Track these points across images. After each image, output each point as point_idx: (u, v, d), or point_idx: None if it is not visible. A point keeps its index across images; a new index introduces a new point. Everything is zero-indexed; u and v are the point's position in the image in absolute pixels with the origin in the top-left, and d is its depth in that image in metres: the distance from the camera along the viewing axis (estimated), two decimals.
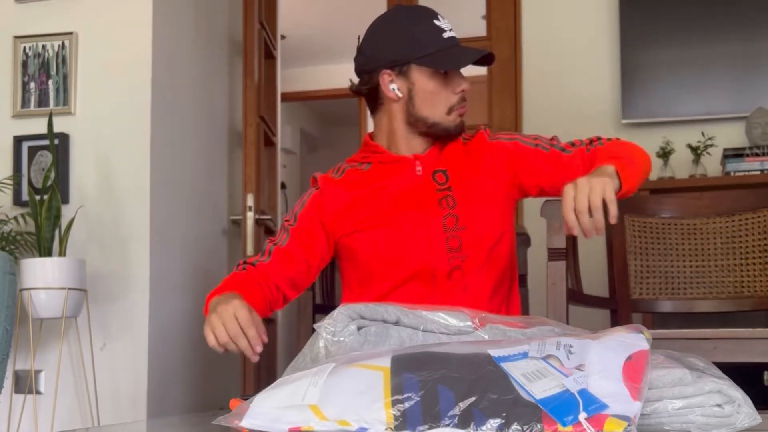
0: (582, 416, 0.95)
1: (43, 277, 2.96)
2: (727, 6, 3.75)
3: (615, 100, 3.85)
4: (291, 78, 6.52)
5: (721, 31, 3.75)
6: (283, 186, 5.54)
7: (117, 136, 3.28)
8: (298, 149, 7.78)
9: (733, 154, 3.54)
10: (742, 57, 3.73)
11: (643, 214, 2.57)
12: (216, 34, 3.98)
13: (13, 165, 3.31)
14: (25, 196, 3.25)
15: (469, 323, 1.25)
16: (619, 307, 2.52)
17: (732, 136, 3.69)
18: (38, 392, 3.17)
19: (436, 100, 1.93)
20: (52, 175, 3.10)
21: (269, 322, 4.14)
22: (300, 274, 1.98)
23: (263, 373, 3.89)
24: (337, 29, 6.37)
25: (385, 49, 1.94)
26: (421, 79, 1.93)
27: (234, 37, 4.11)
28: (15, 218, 3.18)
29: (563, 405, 0.96)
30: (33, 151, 3.31)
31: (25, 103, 3.35)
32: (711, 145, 3.63)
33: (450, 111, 1.95)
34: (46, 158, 3.27)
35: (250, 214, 3.76)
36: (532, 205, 3.63)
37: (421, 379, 1.01)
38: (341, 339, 1.18)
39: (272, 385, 1.13)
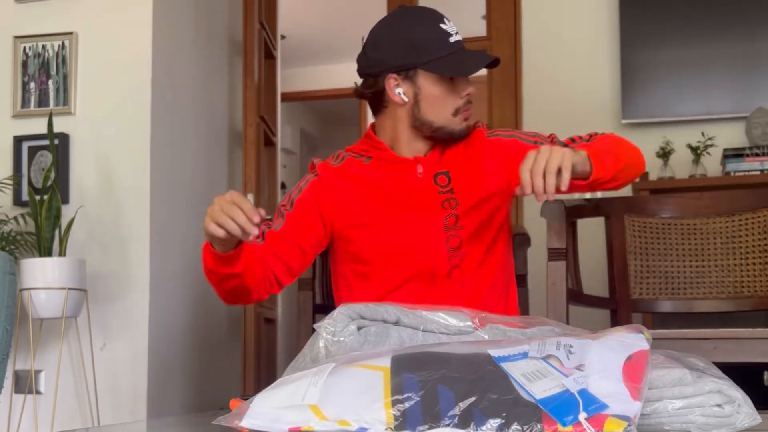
0: (582, 416, 0.95)
1: (43, 277, 2.96)
2: (727, 6, 3.75)
3: (615, 100, 3.85)
4: (291, 78, 6.53)
5: (721, 31, 3.75)
6: (283, 186, 5.54)
7: (117, 136, 3.28)
8: (298, 149, 7.78)
9: (733, 154, 3.54)
10: (742, 57, 3.73)
11: (643, 214, 2.57)
12: (216, 34, 3.98)
13: (13, 165, 3.31)
14: (25, 196, 3.25)
15: (469, 323, 1.25)
16: (619, 307, 2.52)
17: (732, 136, 3.69)
18: (38, 392, 3.17)
19: (441, 105, 1.93)
20: (52, 175, 3.10)
21: (269, 322, 4.15)
22: (294, 259, 1.96)
23: (263, 373, 3.89)
24: (337, 29, 6.37)
25: (391, 53, 1.93)
26: (428, 84, 1.92)
27: (234, 37, 4.11)
28: (15, 218, 3.18)
29: (563, 405, 0.96)
30: (33, 151, 3.31)
31: (25, 103, 3.35)
32: (711, 145, 3.63)
33: (456, 112, 1.94)
34: (46, 158, 3.28)
35: None
36: (532, 205, 3.63)
37: (421, 379, 1.01)
38: (341, 339, 1.18)
39: (272, 385, 1.13)
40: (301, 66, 6.94)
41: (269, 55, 4.26)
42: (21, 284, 2.98)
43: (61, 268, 2.99)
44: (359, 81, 2.02)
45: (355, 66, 2.03)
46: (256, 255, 1.89)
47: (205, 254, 1.80)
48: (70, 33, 3.32)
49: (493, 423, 0.95)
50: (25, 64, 3.35)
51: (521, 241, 2.22)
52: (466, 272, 1.93)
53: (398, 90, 1.94)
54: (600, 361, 1.02)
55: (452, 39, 1.92)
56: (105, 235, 3.25)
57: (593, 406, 0.96)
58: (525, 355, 1.05)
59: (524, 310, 2.17)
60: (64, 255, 3.07)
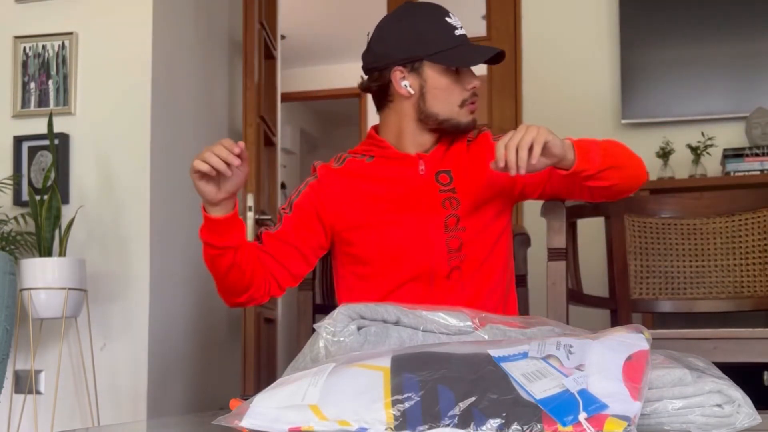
0: (582, 416, 0.95)
1: (43, 277, 2.96)
2: (727, 6, 3.75)
3: (615, 100, 3.85)
4: (291, 78, 6.53)
5: (721, 31, 3.75)
6: (283, 186, 5.54)
7: (117, 136, 3.28)
8: (298, 149, 7.78)
9: (733, 154, 3.54)
10: (742, 57, 3.73)
11: (643, 214, 2.57)
12: (216, 34, 3.98)
13: (13, 165, 3.31)
14: (25, 196, 3.25)
15: (469, 323, 1.25)
16: (619, 307, 2.52)
17: (732, 136, 3.69)
18: (38, 392, 3.17)
19: (448, 96, 1.94)
20: (52, 175, 3.10)
21: (269, 322, 4.15)
22: (292, 261, 1.96)
23: (263, 373, 3.89)
24: (337, 29, 6.38)
25: (397, 46, 1.93)
26: (434, 76, 1.93)
27: (234, 37, 4.11)
28: (15, 218, 3.18)
29: (563, 405, 0.96)
30: (33, 151, 3.31)
31: (25, 103, 3.35)
32: (711, 145, 3.63)
33: (462, 104, 1.95)
34: (46, 158, 3.28)
35: (249, 214, 3.76)
36: (532, 205, 3.63)
37: (421, 379, 1.01)
38: (341, 339, 1.18)
39: (272, 385, 1.13)
40: (301, 66, 6.94)
41: (269, 55, 4.26)
42: (21, 284, 2.98)
43: (61, 268, 2.99)
44: (362, 79, 2.03)
45: (356, 66, 2.03)
46: (254, 252, 1.90)
47: (202, 230, 1.81)
48: (70, 33, 3.32)
49: (493, 423, 0.95)
50: (25, 64, 3.35)
51: (521, 241, 2.22)
52: (467, 274, 1.93)
53: (404, 82, 1.94)
54: (600, 361, 1.02)
55: (457, 32, 1.93)
56: (105, 235, 3.25)
57: (593, 406, 0.96)
58: (525, 355, 1.05)
59: (524, 310, 2.17)
60: (64, 255, 3.07)
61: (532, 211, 3.57)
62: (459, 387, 0.99)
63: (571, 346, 1.05)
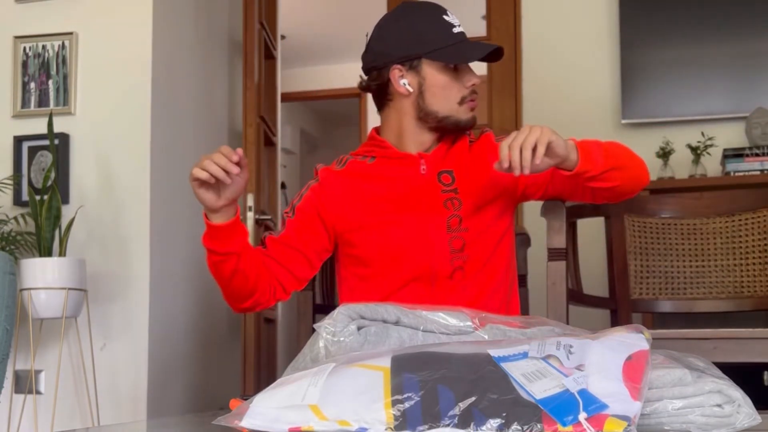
0: (582, 416, 0.95)
1: (43, 277, 2.96)
2: (727, 6, 3.75)
3: (615, 100, 3.85)
4: (291, 78, 6.53)
5: (721, 31, 3.75)
6: (283, 186, 5.54)
7: (117, 136, 3.28)
8: (298, 149, 7.78)
9: (733, 154, 3.54)
10: (742, 57, 3.73)
11: (643, 214, 2.57)
12: (216, 34, 3.98)
13: (13, 165, 3.31)
14: (25, 196, 3.25)
15: (469, 323, 1.25)
16: (619, 307, 2.52)
17: (732, 136, 3.69)
18: (38, 392, 3.17)
19: (446, 94, 1.93)
20: (52, 175, 3.10)
21: (269, 322, 4.15)
22: (296, 265, 1.96)
23: (263, 373, 3.89)
24: (337, 29, 6.38)
25: (396, 44, 1.94)
26: (432, 74, 1.93)
27: (234, 37, 4.11)
28: (15, 218, 3.18)
29: (563, 405, 0.96)
30: (33, 151, 3.31)
31: (25, 103, 3.35)
32: (711, 145, 3.63)
33: (462, 101, 1.95)
34: (46, 158, 3.28)
35: (250, 214, 3.77)
36: (532, 205, 3.63)
37: (421, 379, 1.01)
38: (341, 339, 1.18)
39: (272, 385, 1.13)
40: (301, 66, 6.94)
41: (269, 55, 4.26)
42: (21, 284, 2.98)
43: (61, 268, 2.99)
44: (361, 79, 2.03)
45: (355, 66, 2.04)
46: (258, 257, 1.90)
47: (205, 237, 1.82)
48: (70, 33, 3.32)
49: (493, 423, 0.95)
50: (25, 64, 3.35)
51: (521, 241, 2.22)
52: (469, 275, 1.92)
53: (403, 81, 1.94)
54: (600, 361, 1.02)
55: (455, 30, 1.93)
56: (105, 235, 3.25)
57: (593, 406, 0.96)
58: (525, 355, 1.05)
59: (524, 310, 2.17)
60: (64, 255, 3.07)
61: (532, 211, 3.56)
62: (459, 387, 0.99)
63: (571, 346, 1.05)
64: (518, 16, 4.01)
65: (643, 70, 3.78)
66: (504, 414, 0.95)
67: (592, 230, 2.79)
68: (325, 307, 2.32)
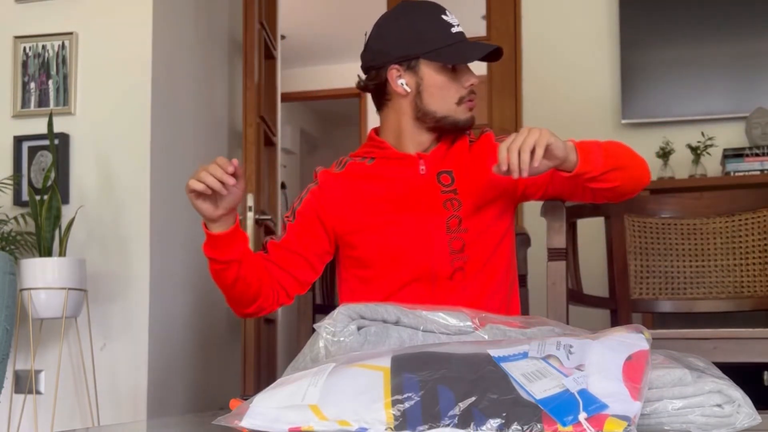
0: (582, 416, 0.95)
1: (43, 277, 2.96)
2: (727, 6, 3.75)
3: (615, 100, 3.85)
4: (291, 78, 6.53)
5: (721, 31, 3.75)
6: (283, 186, 5.54)
7: (117, 136, 3.28)
8: (298, 149, 7.78)
9: (733, 154, 3.54)
10: (742, 57, 3.73)
11: (643, 214, 2.57)
12: (216, 34, 3.98)
13: (13, 165, 3.31)
14: (25, 196, 3.25)
15: (469, 323, 1.25)
16: (619, 307, 2.52)
17: (732, 136, 3.69)
18: (38, 392, 3.17)
19: (444, 94, 1.93)
20: (52, 175, 3.10)
21: (269, 323, 4.15)
22: (299, 269, 1.97)
23: (263, 373, 3.89)
24: (337, 29, 6.37)
25: (393, 44, 1.93)
26: (430, 74, 1.92)
27: (234, 37, 4.11)
28: (15, 218, 3.18)
29: (563, 405, 0.96)
30: (33, 151, 3.31)
31: (25, 103, 3.35)
32: (711, 145, 3.63)
33: (460, 101, 1.94)
34: (46, 158, 3.28)
35: (250, 214, 3.77)
36: (532, 206, 3.63)
37: (421, 379, 1.01)
38: (341, 339, 1.18)
39: (272, 385, 1.13)
40: (301, 66, 6.94)
41: (269, 55, 4.26)
42: (21, 284, 2.98)
43: (61, 268, 2.99)
44: (359, 78, 2.03)
45: (356, 66, 2.03)
46: (260, 263, 1.91)
47: (205, 246, 1.83)
48: (70, 33, 3.32)
49: (493, 423, 0.95)
50: (25, 64, 3.35)
51: (521, 241, 2.22)
52: (470, 275, 1.92)
53: (400, 81, 1.94)
54: (600, 361, 1.02)
55: (454, 30, 1.92)
56: (105, 235, 3.25)
57: (593, 406, 0.96)
58: (525, 355, 1.05)
59: (524, 310, 2.17)
60: (64, 255, 3.07)
61: (532, 211, 3.56)
62: (459, 387, 0.99)
63: (571, 346, 1.05)
64: (518, 16, 4.01)
65: (643, 70, 3.78)
66: (504, 414, 0.95)
67: (592, 230, 2.79)
68: (325, 307, 2.32)
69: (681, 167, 3.67)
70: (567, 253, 2.21)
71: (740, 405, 1.07)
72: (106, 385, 3.17)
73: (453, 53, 1.91)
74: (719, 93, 3.75)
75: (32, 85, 3.34)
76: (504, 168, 1.68)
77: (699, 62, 3.77)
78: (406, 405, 0.99)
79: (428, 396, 0.99)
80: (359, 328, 1.20)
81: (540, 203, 2.14)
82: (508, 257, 2.01)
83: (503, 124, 3.89)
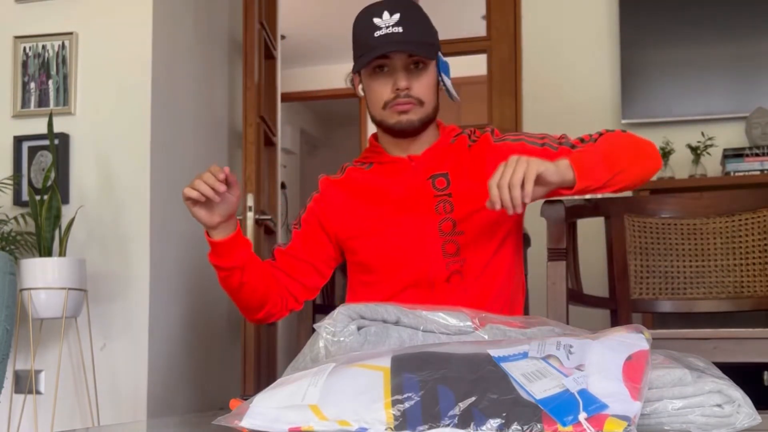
0: (582, 416, 0.95)
1: (43, 277, 2.96)
2: (727, 6, 3.75)
3: (615, 100, 3.85)
4: (291, 78, 6.52)
5: (721, 31, 3.75)
6: (283, 186, 5.54)
7: (117, 136, 3.28)
8: (298, 149, 7.78)
9: (733, 154, 3.54)
10: (742, 57, 3.73)
11: (643, 214, 2.56)
12: (216, 34, 3.98)
13: (13, 165, 3.31)
14: (25, 196, 3.25)
15: (469, 323, 1.25)
16: (619, 307, 2.52)
17: (732, 136, 3.69)
18: (38, 392, 3.17)
19: (374, 99, 1.94)
20: (52, 175, 3.10)
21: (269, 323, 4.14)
22: (305, 275, 2.00)
23: (263, 373, 3.89)
24: (337, 29, 6.34)
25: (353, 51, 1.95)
26: (365, 80, 1.95)
27: (234, 37, 4.11)
28: (15, 218, 3.18)
29: (563, 405, 0.96)
30: (33, 151, 3.31)
31: (25, 103, 3.35)
32: (711, 145, 3.63)
33: (385, 106, 1.91)
34: (46, 158, 3.27)
35: (250, 214, 3.76)
36: (532, 205, 3.63)
37: (421, 379, 1.01)
38: (341, 339, 1.19)
39: (272, 385, 1.13)
40: (301, 66, 6.94)
41: (269, 55, 4.26)
42: (21, 284, 2.97)
43: (61, 268, 2.98)
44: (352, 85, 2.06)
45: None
46: (267, 270, 1.94)
47: (209, 255, 1.87)
48: (70, 33, 3.32)
49: (493, 423, 0.95)
50: (25, 64, 3.35)
51: None
52: (468, 278, 1.91)
53: (360, 87, 1.98)
54: (600, 361, 1.02)
55: (378, 33, 1.86)
56: (105, 235, 3.25)
57: (593, 406, 0.96)
58: (525, 355, 1.05)
59: (524, 310, 2.17)
60: (64, 255, 3.07)
61: (532, 211, 3.56)
62: (459, 387, 0.99)
63: (571, 346, 1.05)
64: (518, 16, 4.01)
65: (643, 70, 3.78)
66: (504, 414, 0.95)
67: (592, 230, 2.79)
68: (325, 307, 2.32)
69: (681, 167, 3.67)
70: (567, 253, 2.21)
71: (740, 405, 1.07)
72: (106, 385, 3.17)
73: (362, 59, 1.89)
74: (719, 93, 3.75)
75: (32, 85, 3.34)
76: (497, 207, 1.63)
77: (699, 62, 3.77)
78: (406, 405, 0.99)
79: (428, 396, 0.99)
80: (359, 328, 1.20)
81: (540, 203, 2.14)
82: (511, 261, 1.99)
83: (503, 124, 3.89)
